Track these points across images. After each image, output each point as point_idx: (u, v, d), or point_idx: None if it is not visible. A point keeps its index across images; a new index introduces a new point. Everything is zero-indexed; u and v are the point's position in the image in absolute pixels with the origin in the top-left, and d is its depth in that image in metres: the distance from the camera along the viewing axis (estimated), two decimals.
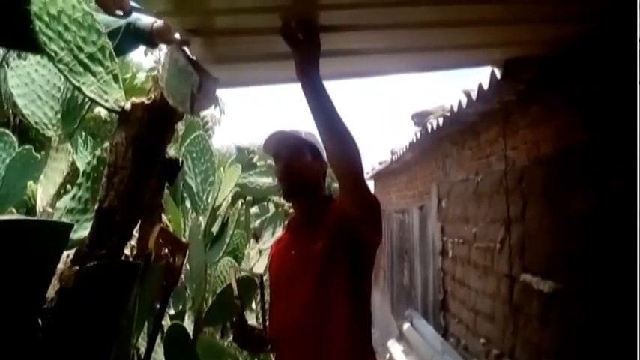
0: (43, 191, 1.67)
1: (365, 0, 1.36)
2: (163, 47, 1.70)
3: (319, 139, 1.57)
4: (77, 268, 1.20)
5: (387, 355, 5.19)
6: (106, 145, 1.39)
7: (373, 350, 1.67)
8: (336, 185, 1.59)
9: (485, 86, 2.48)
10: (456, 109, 3.13)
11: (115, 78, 1.32)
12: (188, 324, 2.33)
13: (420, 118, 4.48)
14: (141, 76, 1.90)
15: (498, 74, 2.25)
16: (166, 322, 2.15)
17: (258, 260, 3.60)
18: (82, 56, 1.25)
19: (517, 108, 2.67)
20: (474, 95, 2.72)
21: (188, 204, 2.56)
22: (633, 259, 1.51)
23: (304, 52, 1.43)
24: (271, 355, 3.00)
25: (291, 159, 1.68)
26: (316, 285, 1.59)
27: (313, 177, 1.71)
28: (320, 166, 1.72)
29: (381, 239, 1.66)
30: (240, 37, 1.58)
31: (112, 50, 1.32)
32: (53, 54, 1.19)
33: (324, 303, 1.58)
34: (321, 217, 1.66)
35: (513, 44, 1.91)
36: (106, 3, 1.37)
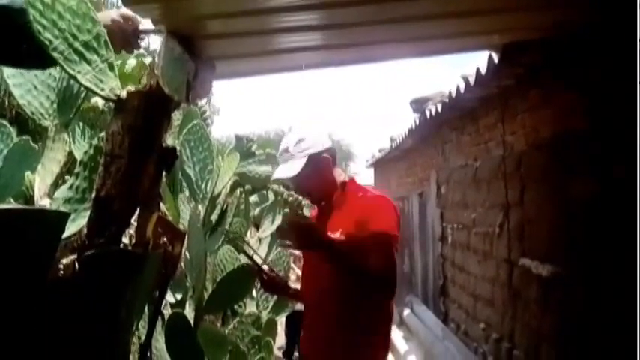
0: (40, 181, 1.66)
1: None
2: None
3: (318, 139, 1.97)
4: (75, 257, 1.20)
5: None
6: (103, 134, 1.38)
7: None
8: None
9: (483, 71, 2.47)
10: (454, 94, 3.12)
11: (110, 66, 1.30)
12: (189, 312, 2.34)
13: (418, 105, 4.44)
14: (131, 62, 1.89)
15: (496, 59, 2.24)
16: (167, 311, 2.16)
17: (258, 248, 3.60)
18: (76, 44, 1.23)
19: (515, 92, 2.66)
20: (472, 80, 2.71)
21: (187, 193, 2.55)
22: (632, 243, 1.51)
23: (306, 246, 1.88)
24: (271, 345, 3.02)
25: (306, 184, 2.02)
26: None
27: (326, 183, 2.01)
28: (327, 165, 1.99)
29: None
30: (234, 39, 1.60)
31: (107, 38, 1.30)
32: (47, 42, 1.18)
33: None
34: (343, 200, 1.99)
35: (512, 30, 1.90)
36: (120, 44, 1.41)
